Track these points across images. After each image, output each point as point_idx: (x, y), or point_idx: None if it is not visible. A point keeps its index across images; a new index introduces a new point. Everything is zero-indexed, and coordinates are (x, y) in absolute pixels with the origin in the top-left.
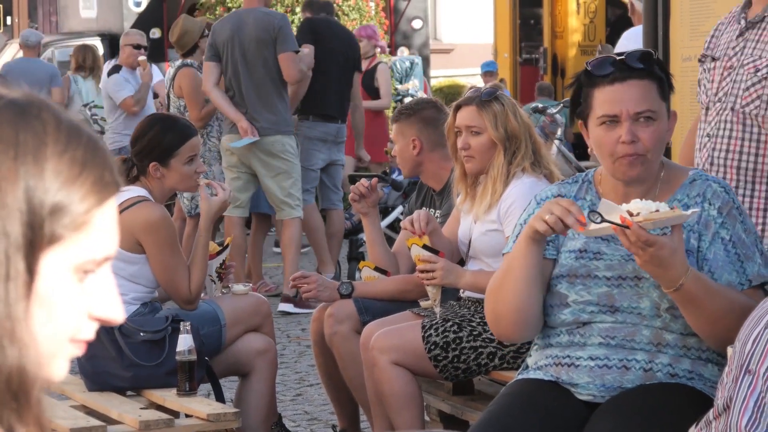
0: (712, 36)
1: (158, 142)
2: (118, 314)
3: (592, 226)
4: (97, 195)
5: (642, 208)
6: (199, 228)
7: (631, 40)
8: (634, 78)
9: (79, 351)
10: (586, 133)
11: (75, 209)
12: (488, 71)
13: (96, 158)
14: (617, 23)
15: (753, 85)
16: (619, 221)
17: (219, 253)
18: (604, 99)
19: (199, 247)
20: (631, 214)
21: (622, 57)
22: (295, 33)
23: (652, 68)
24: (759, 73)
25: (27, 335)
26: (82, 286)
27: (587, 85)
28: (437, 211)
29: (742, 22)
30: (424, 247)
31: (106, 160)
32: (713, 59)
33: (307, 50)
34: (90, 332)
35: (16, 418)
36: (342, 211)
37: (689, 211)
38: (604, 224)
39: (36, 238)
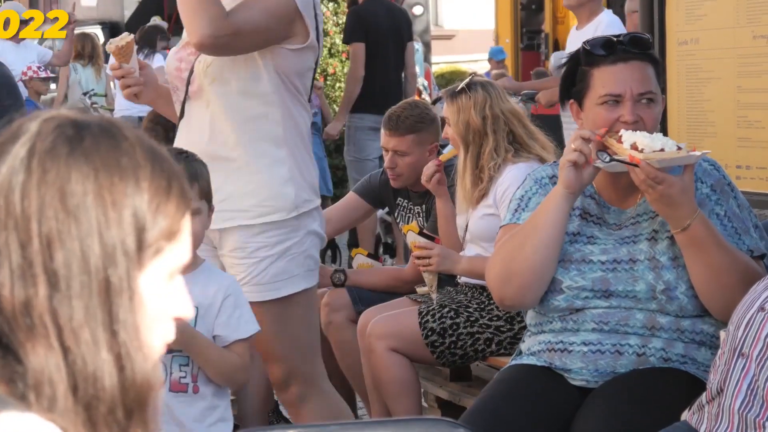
0: None
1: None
2: (190, 310)
3: (602, 165)
4: (184, 205)
5: (647, 145)
6: None
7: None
8: (636, 59)
9: (163, 352)
10: (579, 113)
11: (170, 221)
12: (499, 59)
13: (175, 170)
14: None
15: None
16: (627, 159)
17: None
18: (608, 78)
19: None
20: (636, 148)
21: (621, 38)
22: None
23: (651, 51)
24: None
25: (147, 345)
26: (169, 291)
27: (586, 64)
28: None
29: None
30: (421, 233)
31: (180, 170)
32: None
33: (358, 49)
34: (173, 333)
35: (142, 427)
36: None
37: (698, 153)
38: (613, 162)
39: (145, 253)
